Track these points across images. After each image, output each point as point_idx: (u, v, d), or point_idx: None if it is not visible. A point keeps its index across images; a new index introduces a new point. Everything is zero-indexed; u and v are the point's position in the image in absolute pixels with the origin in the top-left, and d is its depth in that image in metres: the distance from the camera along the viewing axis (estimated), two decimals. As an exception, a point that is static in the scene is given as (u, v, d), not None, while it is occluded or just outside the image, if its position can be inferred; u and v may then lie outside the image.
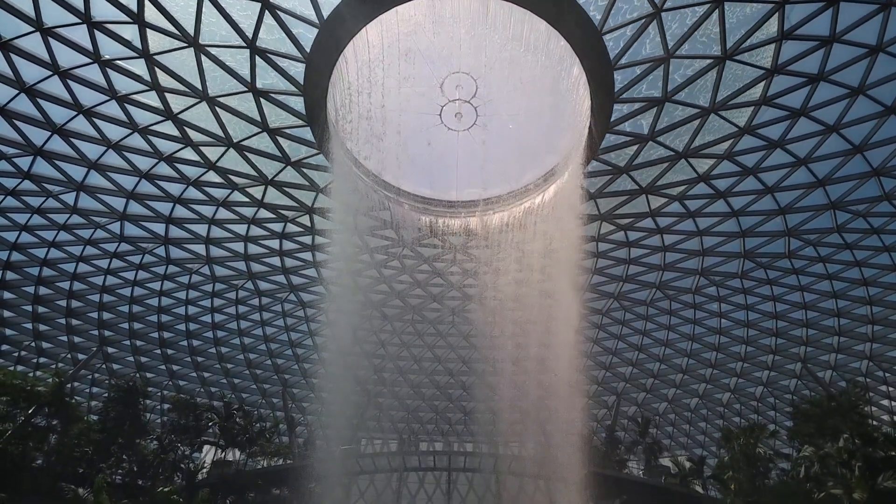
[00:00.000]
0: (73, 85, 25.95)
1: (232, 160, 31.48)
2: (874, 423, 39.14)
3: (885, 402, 45.12)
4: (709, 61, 25.14)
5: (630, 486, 44.59)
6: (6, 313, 40.21)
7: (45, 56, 24.46)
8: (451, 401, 59.91)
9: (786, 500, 29.85)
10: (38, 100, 26.39)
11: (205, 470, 42.67)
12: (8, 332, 41.81)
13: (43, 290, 39.29)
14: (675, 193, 33.54)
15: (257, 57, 25.24)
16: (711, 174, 31.61)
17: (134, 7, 22.78)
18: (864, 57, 24.03)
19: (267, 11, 23.17)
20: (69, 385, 42.40)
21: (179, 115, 28.12)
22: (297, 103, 27.62)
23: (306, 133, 29.66)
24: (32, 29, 23.15)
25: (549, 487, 48.77)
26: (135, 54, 24.70)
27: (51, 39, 23.80)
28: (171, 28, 23.70)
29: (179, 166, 31.72)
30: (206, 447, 45.30)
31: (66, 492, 29.52)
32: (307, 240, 38.83)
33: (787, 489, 31.45)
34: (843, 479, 28.46)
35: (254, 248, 39.27)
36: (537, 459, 50.34)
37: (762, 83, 25.85)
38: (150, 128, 28.76)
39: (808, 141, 28.52)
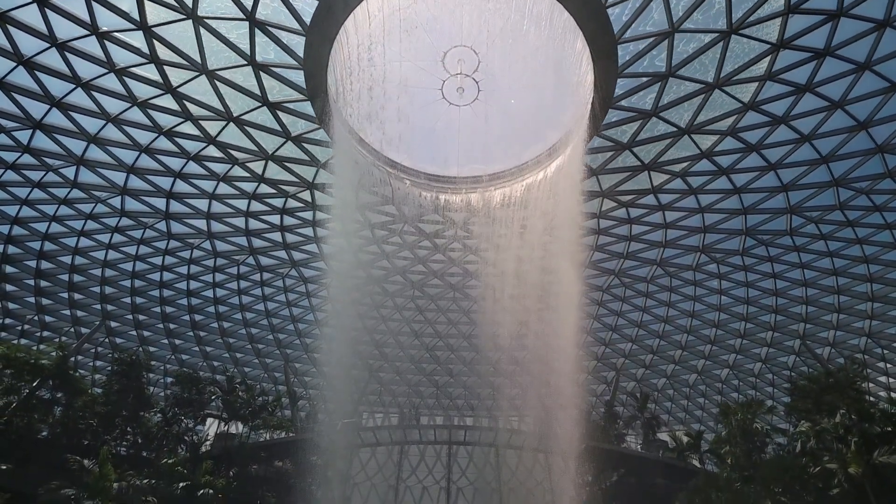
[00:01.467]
0: (71, 57, 25.73)
1: (232, 135, 31.33)
2: (871, 399, 39.46)
3: (883, 379, 45.45)
4: (714, 35, 24.85)
5: (628, 459, 45.09)
6: (9, 287, 40.35)
7: (42, 28, 24.21)
8: (451, 376, 60.37)
9: (781, 474, 30.18)
10: (37, 72, 26.19)
11: (208, 442, 43.23)
12: (11, 305, 42.00)
13: (45, 265, 39.40)
14: (677, 170, 33.40)
15: (257, 29, 24.95)
16: (714, 150, 31.44)
17: (131, -22, 22.52)
18: (871, 32, 23.73)
19: (266, -17, 22.89)
20: (72, 359, 42.74)
21: (178, 89, 27.89)
22: (298, 77, 27.37)
23: (307, 107, 29.44)
24: (29, 0, 22.87)
25: (548, 461, 49.43)
26: (133, 26, 24.42)
27: (48, 11, 23.51)
28: (170, -1, 23.43)
29: (179, 140, 31.57)
30: (209, 420, 45.87)
31: (71, 463, 29.93)
32: (308, 215, 38.79)
33: (783, 463, 31.77)
34: (838, 454, 28.75)
35: (255, 224, 39.25)
36: (536, 433, 50.91)
37: (768, 58, 25.55)
38: (150, 101, 28.58)
39: (812, 117, 28.29)
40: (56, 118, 28.95)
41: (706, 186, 34.37)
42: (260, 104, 29.06)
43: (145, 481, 30.69)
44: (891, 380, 45.16)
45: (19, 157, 31.04)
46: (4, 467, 27.78)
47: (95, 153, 31.79)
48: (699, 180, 34.03)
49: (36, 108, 28.31)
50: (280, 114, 29.91)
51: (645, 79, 27.43)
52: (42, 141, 30.40)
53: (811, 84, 26.35)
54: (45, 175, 32.83)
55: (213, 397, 43.71)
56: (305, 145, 32.33)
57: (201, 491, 31.79)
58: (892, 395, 42.08)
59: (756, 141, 30.36)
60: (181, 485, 32.09)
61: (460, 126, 33.58)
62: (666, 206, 36.44)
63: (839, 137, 29.25)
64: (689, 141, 30.88)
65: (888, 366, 44.65)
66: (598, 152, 32.55)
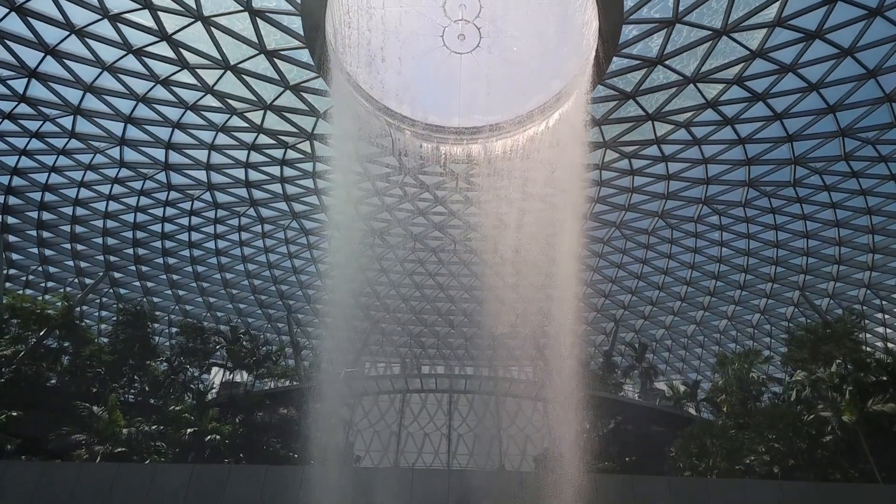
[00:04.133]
0: (63, 3, 25.11)
1: (229, 84, 30.79)
2: (868, 349, 39.94)
3: (880, 330, 45.94)
4: (723, -21, 24.12)
5: (625, 407, 46.02)
6: (11, 238, 40.43)
7: (32, -29, 23.59)
8: (452, 326, 61.11)
9: (776, 422, 30.82)
10: (29, 19, 25.62)
11: (214, 391, 44.12)
12: (14, 256, 42.18)
13: (46, 216, 39.40)
14: (681, 120, 32.95)
15: (252, -27, 24.28)
16: (720, 100, 30.93)
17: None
18: (886, -25, 23.03)
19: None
20: (78, 309, 43.23)
21: (174, 36, 27.29)
22: (295, 24, 26.72)
23: (305, 56, 28.83)
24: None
25: (547, 409, 50.44)
26: (125, -30, 23.78)
27: (37, -47, 22.85)
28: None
29: (176, 90, 31.07)
30: (214, 369, 46.69)
31: (81, 409, 30.64)
32: (308, 167, 38.55)
33: (778, 411, 32.41)
34: (833, 402, 29.29)
35: (255, 175, 39.07)
36: (535, 382, 51.80)
37: (777, 2, 24.84)
38: (145, 49, 28.00)
39: (820, 65, 27.67)
40: (51, 66, 28.51)
41: (710, 137, 33.97)
42: (257, 52, 28.45)
43: (154, 427, 31.45)
44: (888, 330, 45.65)
45: (15, 106, 30.68)
46: (15, 414, 28.41)
47: (92, 102, 31.37)
48: (703, 130, 33.61)
49: (30, 56, 27.81)
50: (278, 62, 29.33)
51: (651, 25, 26.76)
52: (38, 90, 30.05)
53: (821, 30, 25.69)
54: (42, 125, 32.52)
55: (217, 347, 44.35)
56: (304, 94, 31.84)
57: (208, 437, 32.65)
58: (889, 345, 42.69)
59: (763, 90, 29.81)
60: (189, 431, 32.99)
61: (461, 75, 32.97)
62: (669, 158, 36.13)
63: (847, 86, 28.72)
64: (695, 90, 30.33)
65: (886, 317, 45.05)
66: (601, 102, 32.03)
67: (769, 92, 29.80)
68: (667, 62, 28.55)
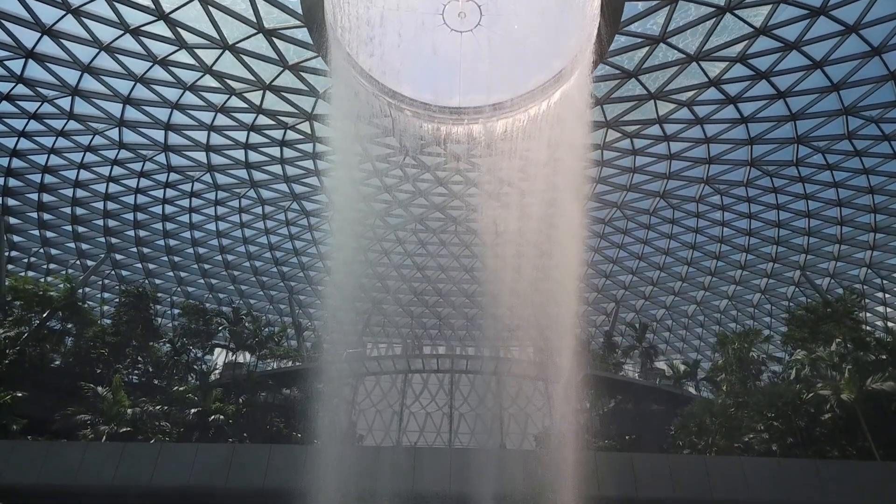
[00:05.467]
0: (58, -19, 24.85)
1: (228, 64, 30.51)
2: (868, 328, 39.98)
3: (881, 309, 45.99)
4: (727, -46, 23.77)
5: (625, 386, 46.31)
6: (12, 220, 40.35)
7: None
8: (453, 307, 61.23)
9: (775, 400, 30.97)
10: (25, -2, 25.38)
11: (217, 371, 44.35)
12: (16, 238, 42.16)
13: (47, 198, 39.32)
14: (683, 99, 32.68)
15: (250, -50, 23.93)
16: (723, 78, 30.63)
17: None
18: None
19: None
20: (80, 291, 43.32)
21: (171, 15, 26.97)
22: (293, 2, 26.40)
23: (304, 35, 28.50)
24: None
25: (548, 388, 50.74)
26: (120, -53, 23.44)
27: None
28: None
29: (175, 70, 30.81)
30: (217, 350, 46.91)
31: (85, 390, 30.86)
32: (308, 147, 38.35)
33: (777, 390, 32.54)
34: (832, 381, 29.41)
35: (254, 156, 38.89)
36: (536, 362, 52.02)
37: (782, -21, 24.54)
38: (142, 28, 27.68)
39: (825, 42, 27.39)
40: (48, 47, 28.23)
41: (713, 116, 33.73)
42: (255, 31, 28.16)
43: (158, 407, 31.68)
44: (888, 309, 45.69)
45: (13, 87, 30.47)
46: (20, 394, 28.61)
47: (90, 83, 31.15)
48: (706, 109, 33.36)
49: (27, 37, 27.56)
50: (276, 41, 29.03)
51: (654, 2, 26.42)
52: (35, 71, 29.80)
53: (826, 6, 25.35)
54: (40, 106, 32.33)
55: (219, 328, 44.49)
56: (303, 74, 31.56)
57: (212, 417, 32.89)
58: (889, 324, 42.77)
59: (766, 68, 29.52)
60: (193, 411, 33.21)
61: (462, 54, 32.62)
62: (671, 137, 35.90)
63: (851, 64, 28.41)
64: (697, 68, 30.03)
65: (886, 296, 45.07)
66: (603, 81, 31.76)
67: (772, 70, 29.51)
68: (669, 40, 28.25)
